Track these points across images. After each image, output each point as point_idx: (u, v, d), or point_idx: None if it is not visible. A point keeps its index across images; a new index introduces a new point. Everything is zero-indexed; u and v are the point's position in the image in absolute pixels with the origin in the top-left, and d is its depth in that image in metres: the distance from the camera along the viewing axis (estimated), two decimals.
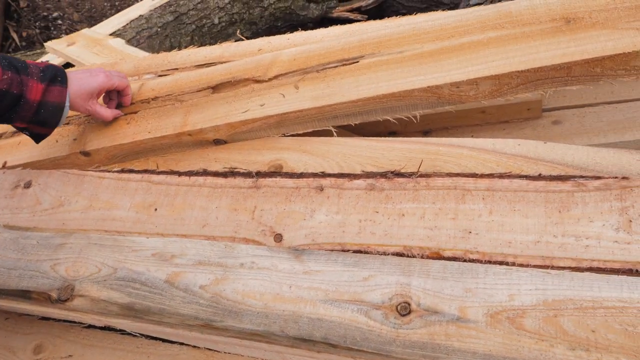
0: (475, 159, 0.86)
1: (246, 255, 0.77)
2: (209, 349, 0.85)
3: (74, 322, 1.00)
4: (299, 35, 1.38)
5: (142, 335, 0.92)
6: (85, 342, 0.98)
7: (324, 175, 0.86)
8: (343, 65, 1.05)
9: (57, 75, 1.03)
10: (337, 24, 1.52)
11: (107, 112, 1.14)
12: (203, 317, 0.72)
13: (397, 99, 0.97)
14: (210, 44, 2.72)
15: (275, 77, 1.10)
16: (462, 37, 0.98)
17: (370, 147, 0.96)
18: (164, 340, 0.90)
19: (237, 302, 0.72)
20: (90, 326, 1.00)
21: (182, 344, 0.88)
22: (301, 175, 0.87)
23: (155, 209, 0.92)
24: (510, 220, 0.71)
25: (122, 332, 0.94)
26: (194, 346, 0.87)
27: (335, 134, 1.03)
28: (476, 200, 0.74)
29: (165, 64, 1.47)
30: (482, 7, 1.06)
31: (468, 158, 0.86)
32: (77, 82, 1.06)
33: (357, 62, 1.04)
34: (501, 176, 0.75)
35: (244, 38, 1.50)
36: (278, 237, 0.80)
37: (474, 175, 0.77)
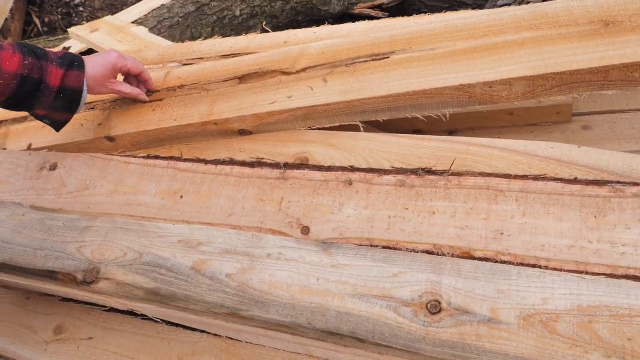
0: (507, 160, 0.84)
1: (273, 246, 0.76)
2: (231, 338, 0.84)
3: (95, 305, 1.01)
4: (326, 29, 1.37)
5: (163, 321, 0.92)
6: (105, 326, 0.98)
7: (353, 169, 0.85)
8: (373, 60, 1.04)
9: (74, 61, 1.03)
10: (357, 21, 1.50)
11: (128, 88, 1.13)
12: (229, 305, 0.72)
13: (428, 96, 0.96)
14: (231, 35, 2.72)
15: (304, 69, 1.09)
16: (496, 37, 0.97)
17: (399, 143, 0.95)
18: (185, 327, 0.90)
19: (264, 292, 0.72)
20: (111, 310, 1.00)
21: (203, 331, 0.88)
22: (330, 169, 0.86)
23: (181, 197, 0.92)
24: (544, 223, 0.70)
25: (143, 317, 0.95)
26: (215, 334, 0.86)
27: (362, 129, 1.02)
28: (509, 202, 0.73)
29: (190, 53, 1.46)
30: (516, 7, 1.05)
31: (499, 159, 0.85)
32: (92, 64, 1.06)
33: (388, 57, 1.03)
34: (536, 178, 0.74)
35: (269, 30, 1.49)
36: (305, 230, 0.80)
37: (507, 176, 0.76)
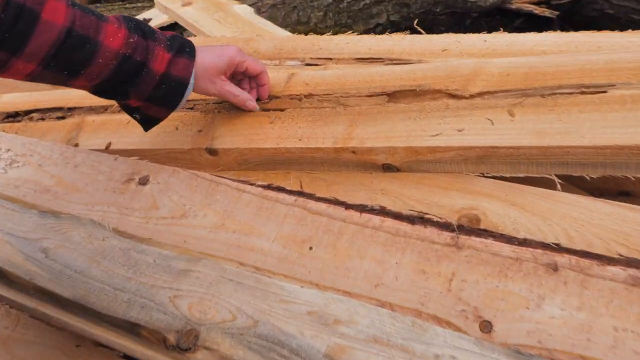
0: None
1: (443, 344, 0.71)
2: None
3: None
4: (501, 38, 1.32)
5: None
6: None
7: (559, 248, 0.79)
8: (582, 93, 0.98)
9: (184, 46, 1.06)
10: (516, 18, 1.43)
11: (236, 90, 1.14)
12: None
13: None
14: (347, 23, 2.74)
15: (480, 94, 1.05)
16: None
17: (616, 215, 0.87)
18: None
19: None
20: None
21: None
22: (524, 242, 0.80)
23: (310, 248, 0.89)
24: None
25: None
26: None
27: (559, 186, 0.95)
28: None
29: (316, 50, 1.47)
30: None
31: None
32: (204, 54, 1.08)
33: (605, 92, 0.96)
34: None
35: (422, 30, 1.47)
36: (486, 326, 0.74)
37: None
